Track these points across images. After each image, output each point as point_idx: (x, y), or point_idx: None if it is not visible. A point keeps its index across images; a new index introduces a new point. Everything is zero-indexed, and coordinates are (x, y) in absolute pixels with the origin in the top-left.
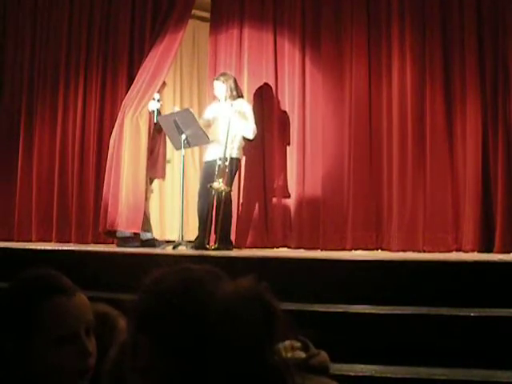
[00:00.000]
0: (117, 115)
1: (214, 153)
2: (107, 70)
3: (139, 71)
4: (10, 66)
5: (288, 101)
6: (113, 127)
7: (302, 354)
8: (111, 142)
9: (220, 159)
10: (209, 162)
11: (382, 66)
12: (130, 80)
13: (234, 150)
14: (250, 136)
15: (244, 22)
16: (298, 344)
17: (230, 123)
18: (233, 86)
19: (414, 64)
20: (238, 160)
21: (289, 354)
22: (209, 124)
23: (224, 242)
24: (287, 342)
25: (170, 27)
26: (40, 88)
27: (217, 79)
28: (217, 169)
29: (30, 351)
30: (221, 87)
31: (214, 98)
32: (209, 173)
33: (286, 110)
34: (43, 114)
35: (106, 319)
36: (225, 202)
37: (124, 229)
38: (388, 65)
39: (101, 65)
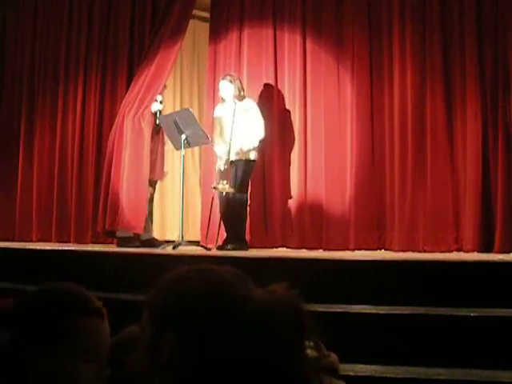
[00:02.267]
0: (116, 116)
1: (222, 160)
2: (107, 71)
3: (138, 72)
4: (10, 67)
5: (289, 101)
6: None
7: (314, 354)
8: (110, 142)
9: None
10: (219, 169)
11: (383, 68)
12: (130, 80)
13: (249, 152)
14: (261, 135)
15: (244, 21)
16: (311, 343)
17: (235, 123)
18: (240, 86)
19: (415, 65)
20: (254, 162)
21: None
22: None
23: (236, 242)
24: None
25: (170, 27)
26: (40, 89)
27: (223, 79)
28: (222, 170)
29: (52, 366)
30: (228, 87)
31: (219, 99)
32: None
33: (287, 110)
34: (43, 115)
35: None
36: (232, 203)
37: (126, 229)
38: (389, 67)
39: (100, 65)
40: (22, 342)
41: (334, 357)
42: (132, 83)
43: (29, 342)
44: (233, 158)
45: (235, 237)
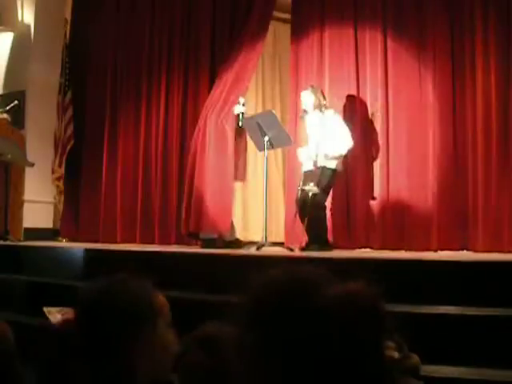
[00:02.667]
0: (199, 118)
1: (307, 163)
2: (189, 73)
3: (220, 74)
4: (93, 69)
5: (371, 102)
6: (194, 129)
7: (396, 355)
8: (193, 144)
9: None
10: (305, 172)
11: (465, 67)
12: (212, 82)
13: (335, 160)
14: (343, 150)
15: (325, 22)
16: (393, 344)
17: (318, 133)
18: (321, 96)
19: (498, 63)
20: (335, 171)
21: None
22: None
23: (319, 243)
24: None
25: (251, 29)
26: (123, 93)
27: (305, 90)
28: (308, 171)
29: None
30: (309, 97)
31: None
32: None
33: (369, 113)
34: (127, 118)
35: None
36: (315, 204)
37: (210, 231)
38: (471, 66)
39: (182, 67)
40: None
41: (415, 358)
42: (214, 85)
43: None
44: (320, 163)
45: (318, 238)
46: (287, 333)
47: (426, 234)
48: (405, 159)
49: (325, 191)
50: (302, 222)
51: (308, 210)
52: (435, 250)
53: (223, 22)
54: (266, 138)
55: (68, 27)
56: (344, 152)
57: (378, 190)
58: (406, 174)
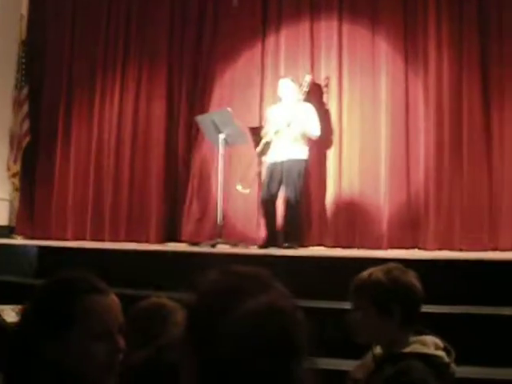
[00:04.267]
0: (152, 113)
1: (276, 154)
2: (143, 70)
3: None
4: (50, 65)
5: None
6: (148, 125)
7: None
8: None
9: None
10: (271, 166)
11: (418, 62)
12: (168, 78)
13: (300, 152)
14: (317, 132)
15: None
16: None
17: (292, 123)
18: (297, 87)
19: (451, 54)
20: (305, 161)
21: (431, 350)
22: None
23: (296, 239)
24: (431, 338)
25: None
26: (78, 89)
27: (283, 78)
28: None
29: (66, 346)
30: (287, 86)
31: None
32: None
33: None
34: (80, 117)
35: (158, 312)
36: (294, 203)
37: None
38: (425, 62)
39: (137, 65)
40: (33, 326)
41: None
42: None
43: (39, 325)
44: (289, 154)
45: (296, 235)
46: (200, 350)
47: (378, 232)
48: (357, 157)
49: (300, 188)
50: (267, 219)
51: (287, 209)
52: (386, 249)
53: (180, 13)
54: (222, 136)
55: (24, 23)
56: (318, 133)
57: (330, 188)
58: (358, 173)
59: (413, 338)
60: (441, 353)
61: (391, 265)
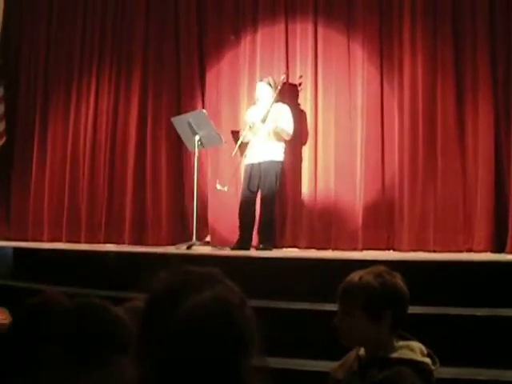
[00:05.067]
0: (128, 115)
1: (253, 156)
2: (121, 72)
3: None
4: (25, 66)
5: (302, 102)
6: (124, 127)
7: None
8: None
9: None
10: (248, 169)
11: (393, 65)
12: (144, 80)
13: (276, 153)
14: (291, 130)
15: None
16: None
17: (267, 119)
18: (272, 90)
19: (425, 58)
20: (282, 163)
21: (419, 356)
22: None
23: (271, 242)
24: (417, 344)
25: None
26: (54, 90)
27: (261, 81)
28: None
29: None
30: (264, 88)
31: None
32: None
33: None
34: (56, 118)
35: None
36: (269, 206)
37: None
38: (399, 65)
39: (114, 66)
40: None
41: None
42: None
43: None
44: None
45: (271, 238)
46: (154, 347)
47: (353, 233)
48: (332, 160)
49: (276, 190)
50: (244, 220)
51: (262, 211)
52: (361, 250)
53: (156, 16)
54: (197, 138)
55: None
56: (291, 132)
57: (305, 189)
58: (333, 174)
59: (399, 343)
60: (427, 359)
61: (380, 268)
